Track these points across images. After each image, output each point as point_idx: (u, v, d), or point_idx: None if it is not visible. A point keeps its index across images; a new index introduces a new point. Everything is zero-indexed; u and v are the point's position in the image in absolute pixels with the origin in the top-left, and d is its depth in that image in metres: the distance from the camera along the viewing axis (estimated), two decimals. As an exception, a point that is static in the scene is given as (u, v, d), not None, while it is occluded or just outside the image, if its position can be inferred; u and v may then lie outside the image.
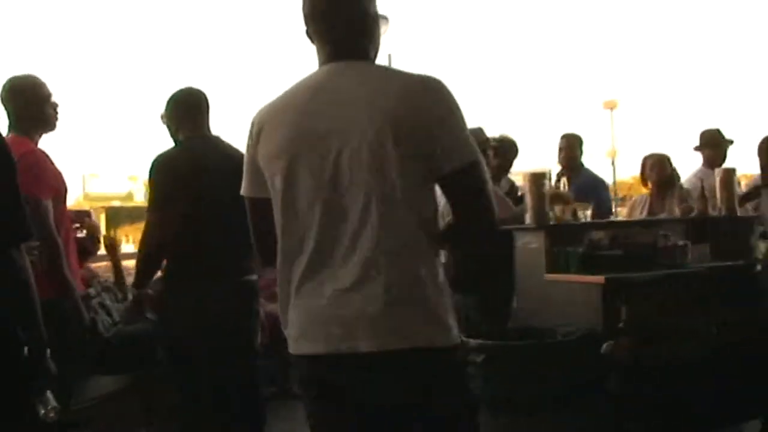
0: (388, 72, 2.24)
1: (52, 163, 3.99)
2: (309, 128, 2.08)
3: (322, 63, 2.21)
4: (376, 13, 2.23)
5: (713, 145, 5.95)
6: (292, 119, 2.13)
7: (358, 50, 2.19)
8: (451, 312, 2.12)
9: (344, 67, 2.16)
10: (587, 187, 5.80)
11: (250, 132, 2.22)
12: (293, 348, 2.18)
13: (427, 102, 2.05)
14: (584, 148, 6.37)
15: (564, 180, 4.74)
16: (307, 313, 2.12)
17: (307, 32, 2.24)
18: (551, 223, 4.57)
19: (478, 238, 2.31)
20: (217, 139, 4.13)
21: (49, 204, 3.83)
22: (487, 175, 2.14)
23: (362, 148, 2.02)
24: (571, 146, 6.20)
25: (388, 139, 2.00)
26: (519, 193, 5.25)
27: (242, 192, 2.30)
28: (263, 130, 2.18)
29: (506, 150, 5.45)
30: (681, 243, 4.70)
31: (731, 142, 6.06)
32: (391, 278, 2.02)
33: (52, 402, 2.50)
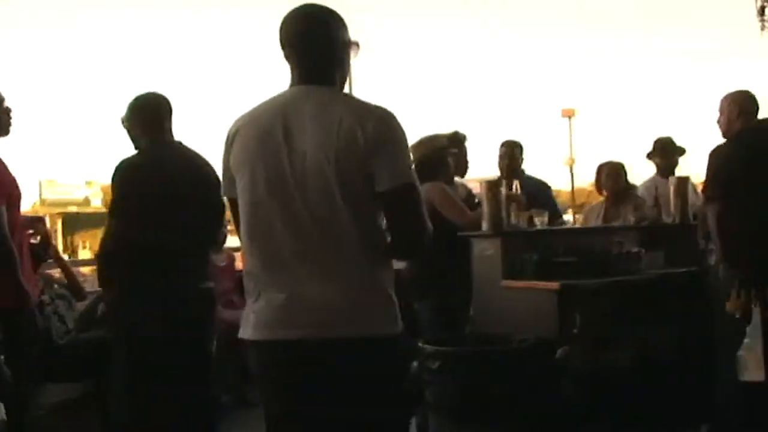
0: (347, 100, 2.47)
1: (5, 168, 3.95)
2: (271, 143, 2.35)
3: (292, 84, 2.47)
4: (346, 40, 2.50)
5: (665, 153, 6.02)
6: (258, 134, 2.39)
7: (325, 77, 2.45)
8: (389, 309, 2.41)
9: (309, 91, 2.42)
10: (537, 192, 5.85)
11: (227, 138, 2.48)
12: (255, 335, 2.42)
13: (374, 132, 2.30)
14: (524, 155, 6.36)
15: (516, 183, 4.75)
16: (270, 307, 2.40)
17: (284, 55, 2.48)
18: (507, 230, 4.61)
19: (408, 252, 2.65)
20: (180, 144, 4.12)
21: (3, 210, 3.79)
22: (421, 198, 2.42)
23: (315, 166, 2.30)
24: (511, 153, 6.19)
25: (337, 162, 2.28)
26: (476, 200, 5.28)
27: (222, 192, 2.57)
28: (236, 138, 2.45)
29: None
30: (635, 250, 4.77)
31: (683, 150, 6.14)
32: (339, 280, 2.34)
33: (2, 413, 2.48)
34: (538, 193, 5.83)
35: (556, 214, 5.87)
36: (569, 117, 26.19)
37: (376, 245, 2.37)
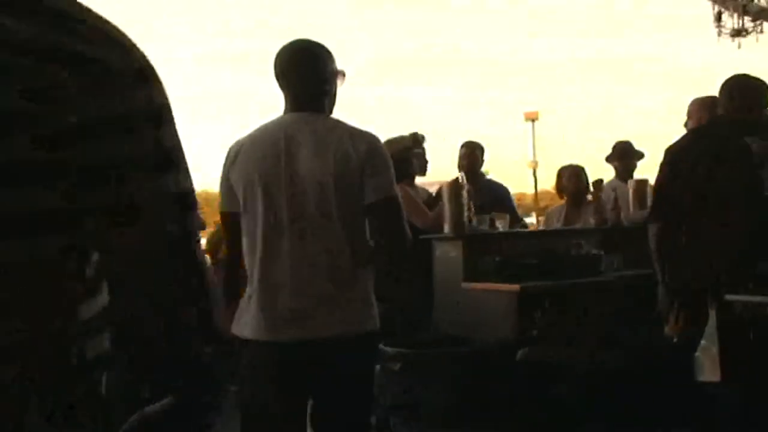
0: (340, 125, 2.77)
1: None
2: (274, 164, 2.67)
3: (286, 111, 2.79)
4: (334, 70, 2.82)
5: (624, 156, 6.07)
6: (262, 155, 2.69)
7: (316, 104, 2.76)
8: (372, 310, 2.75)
9: (305, 117, 2.74)
10: (497, 196, 5.88)
11: (227, 157, 2.76)
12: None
13: (366, 154, 2.67)
14: (485, 157, 6.31)
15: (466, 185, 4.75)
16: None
17: (279, 84, 2.79)
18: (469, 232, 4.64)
19: (393, 253, 2.88)
20: None
21: None
22: (402, 206, 2.77)
23: (311, 183, 2.64)
24: (471, 154, 6.08)
25: (335, 181, 2.64)
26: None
27: (220, 208, 2.82)
28: (238, 157, 2.72)
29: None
30: (594, 252, 4.82)
31: (642, 154, 6.20)
32: (332, 286, 2.67)
33: None
34: (498, 197, 5.85)
35: (515, 218, 5.90)
36: (532, 120, 26.31)
37: (362, 253, 2.72)
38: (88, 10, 1.00)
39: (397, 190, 2.78)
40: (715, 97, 4.70)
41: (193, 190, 1.09)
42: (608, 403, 4.10)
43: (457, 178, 4.83)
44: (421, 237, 4.77)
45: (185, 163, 1.08)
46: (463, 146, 6.09)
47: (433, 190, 5.64)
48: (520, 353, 4.16)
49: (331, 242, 2.66)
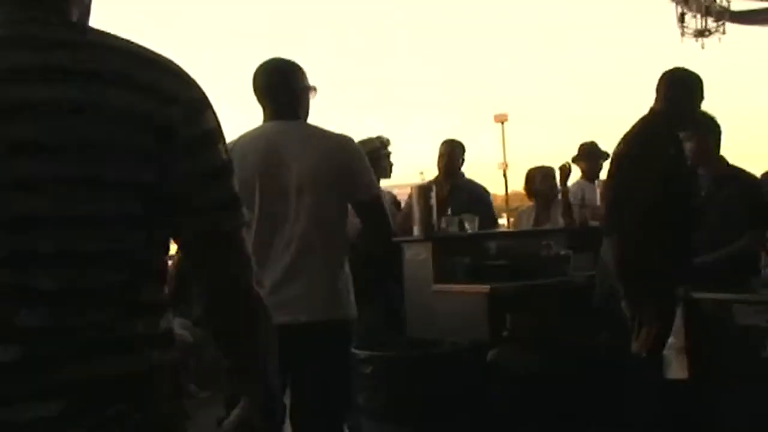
0: (320, 131, 3.10)
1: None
2: (267, 161, 2.94)
3: (266, 120, 3.11)
4: (306, 86, 3.17)
5: (590, 157, 6.11)
6: (252, 159, 2.92)
7: (292, 113, 3.10)
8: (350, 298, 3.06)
9: (287, 125, 3.07)
10: (476, 197, 5.89)
11: None
12: None
13: (347, 157, 3.03)
14: (465, 156, 6.25)
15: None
16: None
17: (257, 98, 3.13)
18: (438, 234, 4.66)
19: (379, 243, 3.33)
20: None
21: None
22: (386, 203, 3.28)
23: (298, 183, 2.93)
24: (452, 152, 5.93)
25: (313, 180, 2.94)
26: (401, 208, 5.33)
27: None
28: (233, 158, 2.88)
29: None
30: (563, 253, 4.85)
31: (608, 155, 6.24)
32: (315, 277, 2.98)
33: None
34: (477, 197, 5.85)
35: (493, 218, 5.91)
36: (502, 122, 26.41)
37: (341, 249, 3.06)
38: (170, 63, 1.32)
39: (377, 189, 3.18)
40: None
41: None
42: (572, 403, 4.13)
43: (430, 182, 4.86)
44: (391, 239, 4.78)
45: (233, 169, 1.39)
46: (442, 144, 5.98)
47: (399, 192, 5.64)
48: (490, 354, 4.18)
49: (316, 237, 2.96)
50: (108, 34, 1.30)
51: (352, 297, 3.07)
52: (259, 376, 1.45)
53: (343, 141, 3.10)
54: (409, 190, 5.06)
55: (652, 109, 4.10)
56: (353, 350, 4.12)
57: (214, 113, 1.35)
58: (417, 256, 4.70)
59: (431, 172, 5.99)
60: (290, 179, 2.94)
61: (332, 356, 3.02)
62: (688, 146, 4.22)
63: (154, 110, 1.24)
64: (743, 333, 4.03)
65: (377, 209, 3.12)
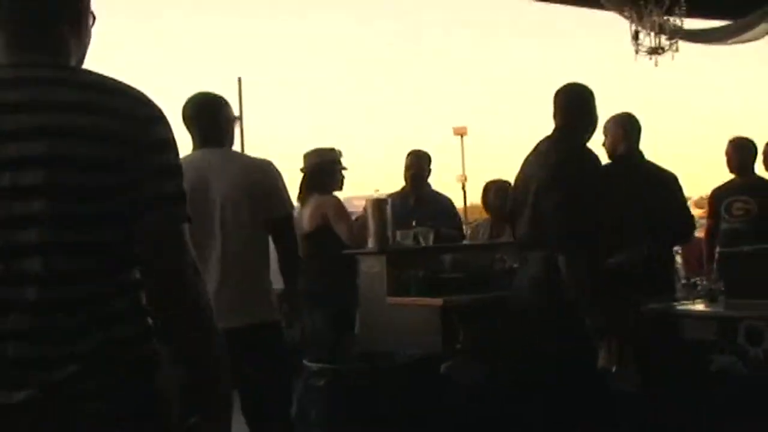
0: (242, 156, 3.72)
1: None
2: (194, 185, 3.06)
3: (195, 147, 3.50)
4: (230, 117, 3.62)
5: None
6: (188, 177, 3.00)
7: (217, 141, 3.50)
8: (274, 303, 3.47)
9: (210, 152, 3.45)
10: (445, 207, 5.93)
11: None
12: None
13: (257, 175, 3.43)
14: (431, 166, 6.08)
15: None
16: None
17: (185, 126, 3.49)
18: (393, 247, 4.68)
19: (288, 261, 3.55)
20: None
21: None
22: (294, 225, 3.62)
23: (226, 201, 3.31)
24: (419, 163, 5.91)
25: (238, 199, 3.32)
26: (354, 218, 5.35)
27: None
28: None
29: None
30: (517, 266, 4.87)
31: None
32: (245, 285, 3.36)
33: None
34: (443, 208, 5.88)
35: (460, 230, 5.92)
36: (461, 135, 26.52)
37: (264, 261, 3.46)
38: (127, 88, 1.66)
39: (292, 208, 3.59)
40: (630, 114, 4.87)
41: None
42: (525, 414, 4.15)
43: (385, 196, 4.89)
44: (345, 252, 4.80)
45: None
46: (409, 155, 5.95)
47: (354, 204, 5.66)
48: (444, 366, 4.19)
49: (241, 250, 3.33)
50: (92, 73, 1.66)
51: (275, 299, 3.48)
52: (213, 383, 1.69)
53: (261, 164, 3.52)
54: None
55: (556, 127, 4.14)
56: (306, 363, 4.14)
57: (168, 127, 1.67)
58: (371, 268, 4.71)
59: (392, 184, 6.01)
60: (215, 199, 3.31)
61: (269, 355, 3.37)
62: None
63: (119, 128, 1.58)
64: (691, 346, 4.10)
65: (285, 227, 3.51)
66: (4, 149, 1.53)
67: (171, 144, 1.66)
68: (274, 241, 3.52)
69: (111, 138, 1.57)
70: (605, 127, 4.74)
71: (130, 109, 1.61)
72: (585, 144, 4.13)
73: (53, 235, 1.54)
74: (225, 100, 3.63)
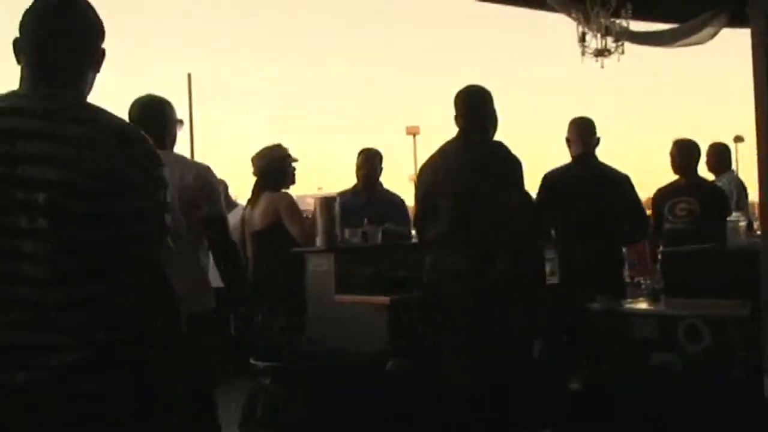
0: (178, 157, 3.70)
1: None
2: None
3: None
4: (174, 119, 3.76)
5: None
6: None
7: (160, 142, 3.34)
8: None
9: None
10: (396, 206, 5.93)
11: None
12: None
13: (193, 179, 3.54)
14: (383, 165, 6.10)
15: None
16: None
17: None
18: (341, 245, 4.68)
19: (224, 262, 3.67)
20: None
21: None
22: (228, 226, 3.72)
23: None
24: (370, 162, 5.91)
25: (181, 202, 3.39)
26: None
27: None
28: None
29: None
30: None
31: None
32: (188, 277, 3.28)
33: None
34: (394, 207, 5.88)
35: (408, 230, 5.94)
36: (413, 135, 26.64)
37: (204, 256, 3.65)
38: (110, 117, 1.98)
39: (224, 211, 3.70)
40: (587, 118, 5.21)
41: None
42: (470, 412, 4.18)
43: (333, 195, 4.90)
44: (293, 250, 4.79)
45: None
46: (360, 153, 5.94)
47: (307, 202, 5.65)
48: (390, 364, 4.20)
49: (189, 246, 3.46)
50: (97, 108, 1.96)
51: (207, 294, 3.61)
52: None
53: (198, 167, 3.69)
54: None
55: (467, 128, 4.34)
56: (253, 361, 4.13)
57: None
58: (319, 267, 4.70)
59: (346, 183, 5.99)
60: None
61: (209, 339, 3.53)
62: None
63: (116, 153, 1.89)
64: (635, 344, 4.18)
65: (217, 229, 3.62)
66: (30, 169, 1.82)
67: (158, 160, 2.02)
68: (210, 245, 3.64)
69: (110, 171, 1.86)
70: (568, 130, 5.14)
71: (144, 155, 1.95)
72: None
73: (54, 244, 1.81)
74: (169, 103, 3.78)
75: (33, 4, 1.97)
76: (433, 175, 4.35)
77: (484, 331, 4.07)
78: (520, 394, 4.14)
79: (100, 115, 1.95)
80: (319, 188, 5.09)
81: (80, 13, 1.99)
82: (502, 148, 4.27)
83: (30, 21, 1.95)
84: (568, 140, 5.20)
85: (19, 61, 1.96)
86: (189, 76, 17.56)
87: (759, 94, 2.85)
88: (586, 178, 5.07)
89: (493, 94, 4.40)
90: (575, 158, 5.16)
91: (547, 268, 5.00)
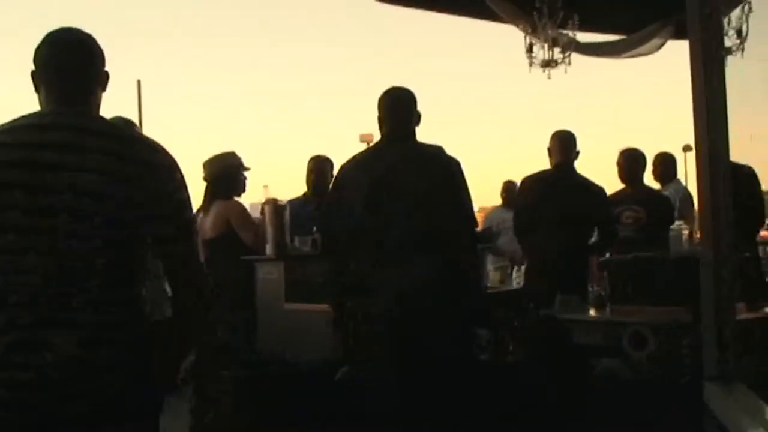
0: None
1: None
2: None
3: None
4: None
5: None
6: None
7: None
8: None
9: None
10: None
11: None
12: None
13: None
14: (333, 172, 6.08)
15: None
16: None
17: None
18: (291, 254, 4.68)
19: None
20: None
21: None
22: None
23: None
24: (321, 168, 5.83)
25: None
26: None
27: None
28: None
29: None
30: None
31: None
32: None
33: None
34: None
35: None
36: (367, 143, 26.62)
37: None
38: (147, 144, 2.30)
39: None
40: (567, 131, 5.45)
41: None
42: (423, 418, 4.20)
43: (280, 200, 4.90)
44: (243, 258, 4.79)
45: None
46: (311, 160, 5.89)
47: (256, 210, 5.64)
48: (340, 372, 4.21)
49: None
50: (104, 121, 2.32)
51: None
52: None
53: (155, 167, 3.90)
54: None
55: (394, 130, 4.13)
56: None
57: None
58: (269, 275, 4.70)
59: (299, 190, 5.96)
60: None
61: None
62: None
63: (125, 168, 2.13)
64: (579, 351, 4.23)
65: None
66: (53, 177, 2.08)
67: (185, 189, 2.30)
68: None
69: (118, 173, 2.11)
70: (552, 142, 5.44)
71: (143, 156, 2.19)
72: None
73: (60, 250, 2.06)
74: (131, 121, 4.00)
75: (47, 37, 2.30)
76: (356, 180, 4.08)
77: (417, 340, 4.02)
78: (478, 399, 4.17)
79: (118, 128, 2.41)
80: (265, 186, 5.06)
81: (87, 41, 2.33)
82: (441, 152, 4.11)
83: (47, 51, 2.28)
84: (549, 150, 5.42)
85: (37, 89, 2.28)
86: (138, 82, 17.39)
87: (697, 105, 2.91)
88: (562, 182, 5.33)
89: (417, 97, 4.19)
90: (554, 166, 5.39)
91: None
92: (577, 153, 5.38)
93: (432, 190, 3.94)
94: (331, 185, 4.32)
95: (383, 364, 4.15)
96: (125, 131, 2.49)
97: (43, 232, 2.04)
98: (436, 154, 4.08)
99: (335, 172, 5.75)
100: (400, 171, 3.97)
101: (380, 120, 4.15)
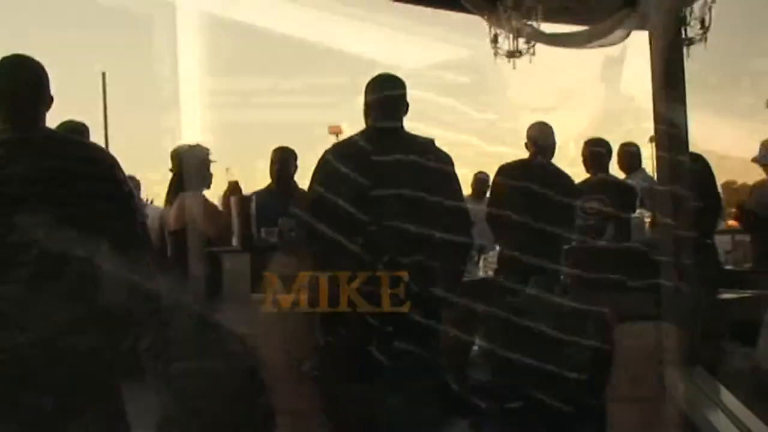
0: None
1: None
2: None
3: None
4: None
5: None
6: None
7: None
8: None
9: None
10: None
11: None
12: None
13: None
14: (298, 163, 5.94)
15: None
16: None
17: None
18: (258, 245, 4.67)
19: None
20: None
21: None
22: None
23: None
24: (284, 159, 5.81)
25: None
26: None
27: None
28: None
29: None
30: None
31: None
32: None
33: None
34: None
35: None
36: (336, 134, 26.56)
37: None
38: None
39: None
40: (544, 123, 5.65)
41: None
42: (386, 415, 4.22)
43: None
44: (209, 250, 4.77)
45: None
46: (274, 152, 5.87)
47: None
48: (305, 365, 4.21)
49: None
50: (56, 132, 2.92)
51: None
52: None
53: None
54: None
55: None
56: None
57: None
58: (235, 266, 4.69)
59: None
60: None
61: None
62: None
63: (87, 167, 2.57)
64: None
65: None
66: (22, 187, 2.50)
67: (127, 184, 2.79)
68: None
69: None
70: (528, 134, 5.62)
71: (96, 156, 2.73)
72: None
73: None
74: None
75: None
76: (338, 173, 3.87)
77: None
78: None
79: (66, 139, 2.94)
80: (227, 168, 5.03)
81: (35, 67, 2.77)
82: (432, 145, 3.98)
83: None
84: (526, 144, 5.57)
85: None
86: (104, 75, 17.25)
87: (656, 96, 2.95)
88: (537, 170, 5.46)
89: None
90: (530, 156, 5.55)
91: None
92: (554, 144, 5.56)
93: (426, 186, 3.79)
94: (312, 179, 4.05)
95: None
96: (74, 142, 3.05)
97: None
98: (427, 147, 3.93)
99: (299, 163, 5.81)
100: (392, 166, 3.81)
101: (366, 106, 3.97)
